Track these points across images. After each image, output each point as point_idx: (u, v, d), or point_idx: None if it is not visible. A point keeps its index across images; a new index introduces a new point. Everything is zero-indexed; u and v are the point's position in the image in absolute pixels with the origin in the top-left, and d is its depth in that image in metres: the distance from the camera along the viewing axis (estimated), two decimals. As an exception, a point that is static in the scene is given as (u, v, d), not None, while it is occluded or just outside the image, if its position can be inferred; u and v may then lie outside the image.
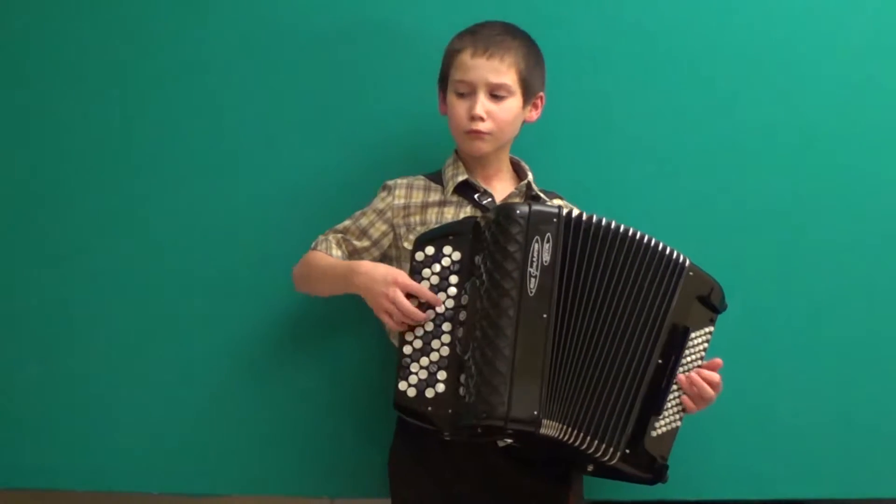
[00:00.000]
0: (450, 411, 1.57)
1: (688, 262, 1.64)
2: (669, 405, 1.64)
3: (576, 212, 1.61)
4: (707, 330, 1.67)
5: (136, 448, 1.97)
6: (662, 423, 1.63)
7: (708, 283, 1.66)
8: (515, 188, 1.79)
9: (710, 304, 1.66)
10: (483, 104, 1.69)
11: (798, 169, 1.93)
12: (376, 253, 1.79)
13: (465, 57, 1.71)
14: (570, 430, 1.58)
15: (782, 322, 1.91)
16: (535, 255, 1.56)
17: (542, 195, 1.79)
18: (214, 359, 1.97)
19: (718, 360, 1.67)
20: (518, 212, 1.57)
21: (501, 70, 1.69)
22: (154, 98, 2.01)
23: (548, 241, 1.57)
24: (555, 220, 1.58)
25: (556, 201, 1.80)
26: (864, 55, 1.94)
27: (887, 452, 1.88)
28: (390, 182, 1.80)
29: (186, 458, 1.96)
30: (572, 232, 1.59)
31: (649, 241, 1.62)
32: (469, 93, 1.71)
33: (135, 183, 2.01)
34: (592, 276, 1.59)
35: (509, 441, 1.63)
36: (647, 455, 1.62)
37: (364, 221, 1.79)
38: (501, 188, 1.79)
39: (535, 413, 1.53)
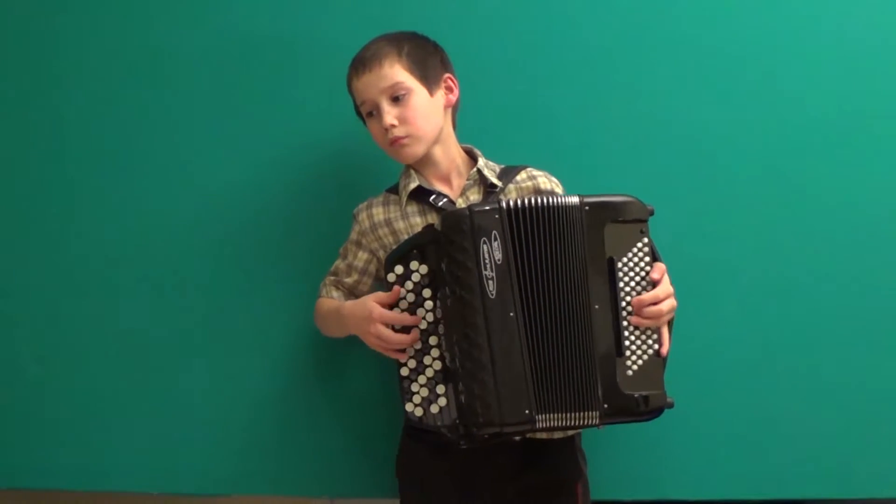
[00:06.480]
0: (457, 421, 1.61)
1: (577, 200, 1.61)
2: (633, 338, 1.61)
3: (513, 202, 1.60)
4: (641, 244, 1.62)
5: (136, 448, 1.97)
6: (632, 359, 1.61)
7: (613, 204, 1.62)
8: (468, 179, 1.77)
9: (630, 219, 1.62)
10: (389, 112, 1.71)
11: (799, 167, 1.93)
12: (369, 281, 1.81)
13: (355, 82, 1.75)
14: (558, 414, 1.58)
15: (782, 321, 1.91)
16: (486, 256, 1.57)
17: (493, 180, 1.75)
18: (214, 359, 1.97)
19: (660, 267, 1.64)
20: (459, 219, 1.59)
21: (385, 74, 1.71)
22: (156, 99, 2.01)
23: (495, 240, 1.58)
24: (497, 216, 1.58)
25: (523, 174, 1.78)
26: (865, 53, 1.94)
27: (887, 452, 1.88)
28: (355, 210, 1.82)
29: (186, 458, 1.96)
30: (515, 222, 1.59)
31: (558, 201, 1.60)
32: (374, 110, 1.73)
33: (140, 180, 2.01)
34: (538, 258, 1.59)
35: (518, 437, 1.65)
36: (631, 398, 1.59)
37: (348, 257, 1.82)
38: (458, 184, 1.78)
39: (528, 412, 1.56)
